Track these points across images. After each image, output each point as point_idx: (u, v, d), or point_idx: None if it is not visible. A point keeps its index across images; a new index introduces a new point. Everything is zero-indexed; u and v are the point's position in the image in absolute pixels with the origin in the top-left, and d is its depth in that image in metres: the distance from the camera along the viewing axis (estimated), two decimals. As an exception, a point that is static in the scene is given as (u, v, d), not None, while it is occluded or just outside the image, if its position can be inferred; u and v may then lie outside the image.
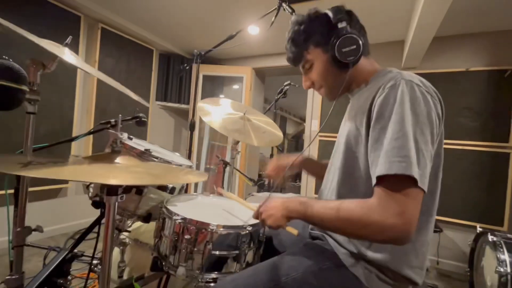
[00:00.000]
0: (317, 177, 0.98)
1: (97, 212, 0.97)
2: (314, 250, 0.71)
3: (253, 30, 2.55)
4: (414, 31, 1.94)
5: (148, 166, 0.74)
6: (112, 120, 1.14)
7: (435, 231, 2.03)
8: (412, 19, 2.08)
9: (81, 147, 2.52)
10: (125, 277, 1.10)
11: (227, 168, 1.99)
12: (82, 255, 1.00)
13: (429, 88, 0.61)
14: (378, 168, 0.55)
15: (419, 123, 0.56)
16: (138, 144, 1.08)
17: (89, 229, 0.69)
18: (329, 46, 0.69)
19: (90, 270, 0.73)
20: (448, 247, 2.36)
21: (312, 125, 3.17)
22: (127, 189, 0.86)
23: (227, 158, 3.69)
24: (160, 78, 3.35)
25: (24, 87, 0.49)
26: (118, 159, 0.59)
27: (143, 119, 1.16)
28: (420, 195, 0.54)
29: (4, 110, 0.53)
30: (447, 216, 2.33)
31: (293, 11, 1.47)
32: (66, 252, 0.61)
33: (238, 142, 2.03)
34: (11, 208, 1.07)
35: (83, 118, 2.52)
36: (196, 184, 3.45)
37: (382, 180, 0.55)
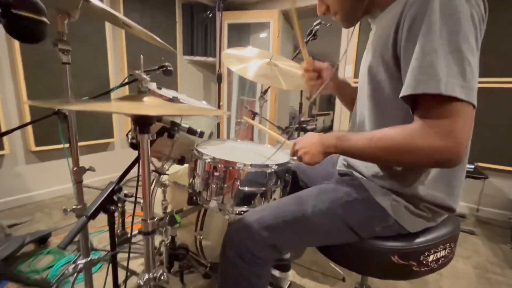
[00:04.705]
0: (348, 104, 0.93)
1: (153, 165, 1.10)
2: (342, 184, 0.71)
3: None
4: None
5: (174, 105, 0.78)
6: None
7: (478, 178, 1.91)
8: None
9: (120, 104, 2.70)
10: (168, 212, 1.25)
11: (256, 119, 2.01)
12: (132, 196, 1.16)
13: None
14: (404, 88, 0.51)
15: (462, 28, 0.48)
16: (166, 92, 1.11)
17: (130, 167, 0.77)
18: None
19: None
20: (492, 194, 2.23)
21: (346, 71, 2.94)
22: (160, 132, 0.93)
23: (264, 113, 3.70)
24: (185, 31, 3.27)
25: (44, 19, 0.52)
26: (146, 99, 0.62)
27: (169, 68, 1.18)
28: (468, 110, 0.49)
29: (29, 43, 0.57)
30: (494, 163, 2.14)
31: None
32: (114, 184, 0.69)
33: (266, 91, 1.99)
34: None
35: (117, 75, 2.64)
36: (227, 135, 3.58)
37: (421, 102, 0.51)
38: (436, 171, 0.61)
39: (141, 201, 1.60)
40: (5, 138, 1.97)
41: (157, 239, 1.49)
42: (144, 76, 0.64)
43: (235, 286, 0.66)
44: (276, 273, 1.27)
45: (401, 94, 0.52)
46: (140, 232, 0.77)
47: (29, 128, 2.07)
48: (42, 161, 2.22)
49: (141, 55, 0.68)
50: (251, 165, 0.83)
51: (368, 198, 0.65)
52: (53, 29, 0.80)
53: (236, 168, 0.82)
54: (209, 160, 0.85)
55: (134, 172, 1.16)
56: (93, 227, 1.75)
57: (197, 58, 3.39)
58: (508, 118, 2.07)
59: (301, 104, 2.19)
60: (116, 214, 0.74)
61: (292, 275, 1.42)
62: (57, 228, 1.75)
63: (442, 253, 0.66)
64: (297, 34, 0.81)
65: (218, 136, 3.67)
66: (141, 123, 0.64)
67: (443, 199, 0.62)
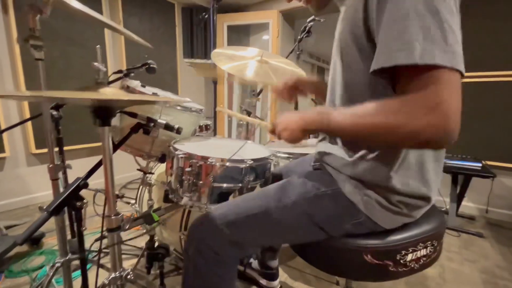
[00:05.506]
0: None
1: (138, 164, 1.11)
2: (311, 178, 0.67)
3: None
4: None
5: (135, 95, 0.76)
6: (124, 69, 1.18)
7: (486, 177, 1.80)
8: None
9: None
10: (153, 212, 1.23)
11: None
12: (123, 196, 1.15)
13: None
14: (373, 63, 0.46)
15: None
16: (148, 89, 1.10)
17: (99, 163, 0.75)
18: None
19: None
20: (501, 195, 2.10)
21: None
22: (135, 128, 0.91)
23: (258, 112, 3.66)
24: (185, 34, 3.30)
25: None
26: (104, 90, 0.60)
27: (152, 65, 1.17)
28: (454, 77, 0.42)
29: None
30: (503, 161, 2.03)
31: None
32: (80, 180, 0.67)
33: (260, 92, 1.97)
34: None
35: (117, 79, 2.68)
36: (229, 134, 3.56)
37: (399, 75, 0.45)
38: (405, 157, 0.55)
39: (132, 201, 1.58)
40: (6, 141, 2.02)
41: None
42: (101, 66, 0.62)
43: (195, 286, 0.62)
44: (263, 282, 1.23)
45: (371, 69, 0.47)
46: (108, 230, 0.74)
47: (30, 130, 2.12)
48: (42, 163, 2.26)
49: (98, 46, 0.66)
50: (223, 159, 0.80)
51: (337, 193, 0.61)
52: (49, 27, 0.80)
53: (209, 163, 0.79)
54: (181, 155, 0.82)
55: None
56: (88, 228, 1.75)
57: (197, 60, 3.40)
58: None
59: (296, 103, 2.14)
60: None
61: (284, 278, 1.37)
62: (52, 229, 1.76)
63: (423, 252, 0.60)
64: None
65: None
66: (101, 114, 0.62)
67: (417, 187, 0.57)
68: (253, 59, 1.56)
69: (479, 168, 1.86)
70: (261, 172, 0.88)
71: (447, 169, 1.91)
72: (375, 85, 0.53)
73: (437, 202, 2.22)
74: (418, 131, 0.42)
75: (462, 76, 0.43)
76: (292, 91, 0.84)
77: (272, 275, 1.24)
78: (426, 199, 0.59)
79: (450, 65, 0.41)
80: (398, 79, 0.46)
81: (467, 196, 2.18)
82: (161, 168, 1.42)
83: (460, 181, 1.97)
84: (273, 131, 0.66)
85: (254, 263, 1.31)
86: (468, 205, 2.24)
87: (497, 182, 2.08)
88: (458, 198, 1.99)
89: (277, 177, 0.96)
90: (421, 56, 0.41)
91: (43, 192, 2.28)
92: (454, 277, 1.43)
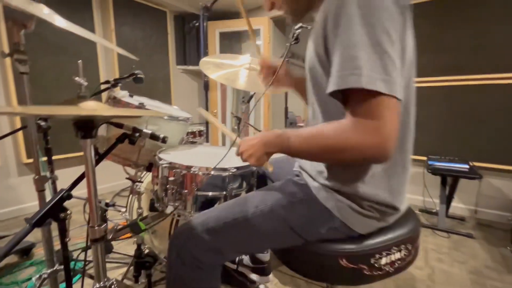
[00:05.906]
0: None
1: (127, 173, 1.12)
2: (289, 185, 0.69)
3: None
4: None
5: (113, 110, 0.78)
6: (111, 80, 1.20)
7: (472, 178, 1.84)
8: None
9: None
10: (143, 220, 1.24)
11: (241, 124, 2.00)
12: (114, 205, 1.16)
13: None
14: (329, 85, 0.50)
15: (379, 20, 0.46)
16: (135, 99, 1.12)
17: (83, 175, 0.76)
18: None
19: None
20: (490, 195, 2.14)
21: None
22: (120, 138, 0.93)
23: (252, 118, 3.68)
24: (177, 41, 3.33)
25: None
26: (86, 103, 0.62)
27: (139, 75, 1.19)
28: (393, 103, 0.47)
29: None
30: (491, 162, 2.07)
31: None
32: (64, 191, 0.68)
33: (250, 98, 1.99)
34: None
35: (109, 88, 2.69)
36: (223, 142, 3.57)
37: (349, 97, 0.50)
38: (374, 168, 0.58)
39: (122, 209, 1.58)
40: (-3, 151, 2.02)
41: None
42: (82, 81, 0.64)
43: None
44: (254, 277, 1.23)
45: (327, 91, 0.51)
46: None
47: (21, 140, 2.12)
48: (33, 173, 2.25)
49: (80, 61, 0.68)
50: (207, 168, 0.82)
51: (312, 199, 0.62)
52: (42, 38, 0.81)
53: (192, 172, 0.81)
54: (165, 165, 0.84)
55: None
56: (78, 237, 1.75)
57: (191, 67, 3.43)
58: (502, 114, 2.00)
59: (286, 108, 2.18)
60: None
61: (274, 283, 1.38)
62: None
63: (397, 255, 0.62)
64: (249, 30, 0.84)
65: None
66: (81, 127, 0.64)
67: (385, 198, 0.59)
68: (242, 67, 1.59)
69: (467, 170, 1.89)
70: (245, 179, 0.90)
71: (436, 171, 1.94)
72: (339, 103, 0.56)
73: (427, 203, 2.27)
74: (363, 150, 0.48)
75: (399, 101, 0.48)
76: (269, 72, 0.92)
77: (263, 270, 1.24)
78: (394, 208, 0.61)
79: (389, 93, 0.46)
80: (348, 100, 0.51)
81: (458, 198, 2.21)
82: (150, 176, 1.43)
83: (449, 183, 2.00)
84: (239, 156, 0.69)
85: (246, 259, 1.31)
86: (458, 206, 2.27)
87: (486, 183, 2.11)
88: (447, 200, 2.02)
89: (261, 177, 0.98)
90: (367, 82, 0.46)
91: (33, 202, 2.27)
92: (443, 279, 1.45)
